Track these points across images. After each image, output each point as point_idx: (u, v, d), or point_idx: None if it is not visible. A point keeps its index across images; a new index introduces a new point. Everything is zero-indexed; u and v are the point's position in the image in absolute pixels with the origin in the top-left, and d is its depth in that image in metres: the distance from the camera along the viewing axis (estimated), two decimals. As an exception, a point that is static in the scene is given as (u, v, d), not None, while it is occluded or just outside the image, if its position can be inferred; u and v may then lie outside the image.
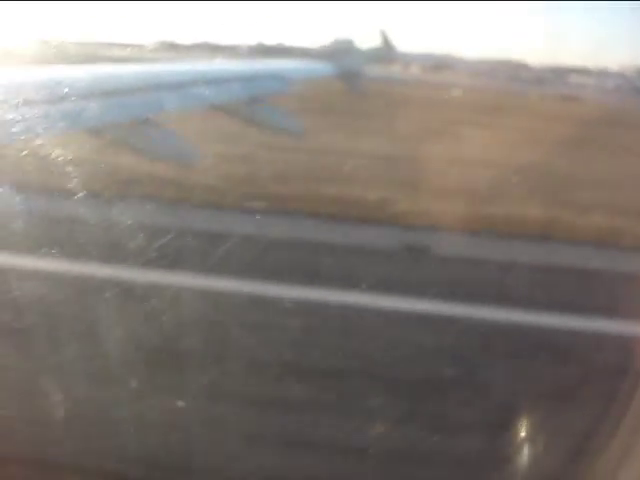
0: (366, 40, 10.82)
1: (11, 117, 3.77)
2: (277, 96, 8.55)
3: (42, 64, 5.77)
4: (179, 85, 6.11)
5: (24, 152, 4.23)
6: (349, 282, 7.49)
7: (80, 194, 5.15)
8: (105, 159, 6.52)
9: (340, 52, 10.76)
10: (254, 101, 7.40)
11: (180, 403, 5.01)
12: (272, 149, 13.07)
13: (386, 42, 10.52)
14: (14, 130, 3.72)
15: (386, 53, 10.61)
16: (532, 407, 5.62)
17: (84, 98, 4.34)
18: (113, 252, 6.16)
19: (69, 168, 4.87)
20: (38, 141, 4.08)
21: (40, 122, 3.94)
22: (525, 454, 5.31)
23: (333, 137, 20.25)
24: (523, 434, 5.39)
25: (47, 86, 4.57)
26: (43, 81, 4.74)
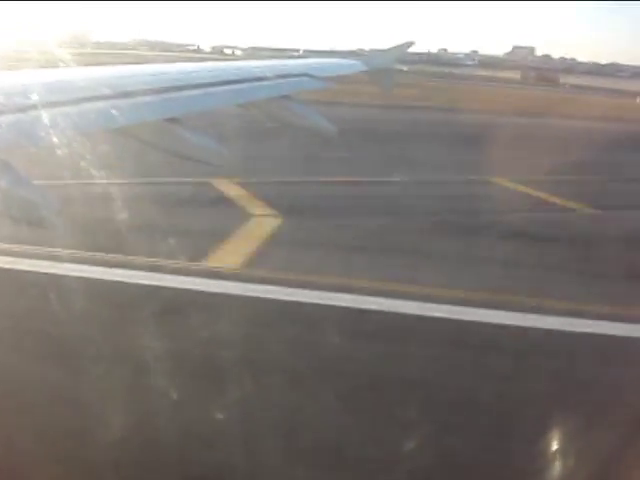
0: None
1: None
2: (309, 93, 8.49)
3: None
4: (208, 85, 6.09)
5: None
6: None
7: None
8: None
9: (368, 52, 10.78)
10: (285, 99, 7.33)
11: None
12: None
13: (406, 43, 10.44)
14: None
15: (405, 51, 10.55)
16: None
17: (111, 98, 4.35)
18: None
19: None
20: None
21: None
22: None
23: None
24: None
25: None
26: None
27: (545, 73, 72.10)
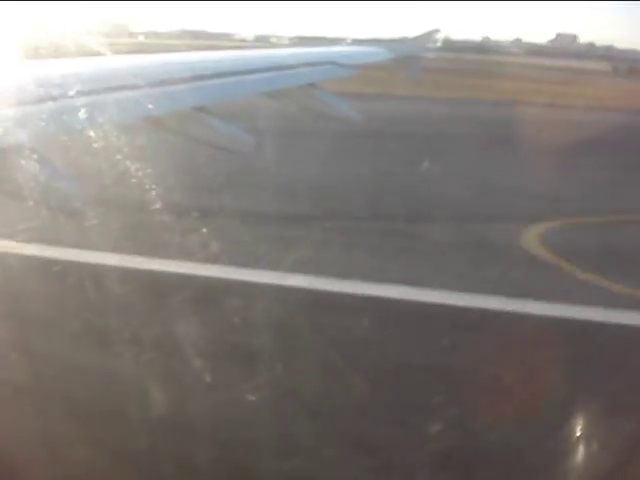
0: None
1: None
2: (335, 80, 8.49)
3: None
4: (235, 73, 6.14)
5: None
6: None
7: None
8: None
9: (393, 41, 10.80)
10: (311, 87, 7.35)
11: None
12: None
13: (433, 30, 10.39)
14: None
15: (432, 40, 10.49)
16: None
17: (141, 88, 4.42)
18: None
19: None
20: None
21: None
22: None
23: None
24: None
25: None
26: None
27: (635, 65, 62.06)
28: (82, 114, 3.78)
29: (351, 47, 10.81)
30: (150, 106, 4.39)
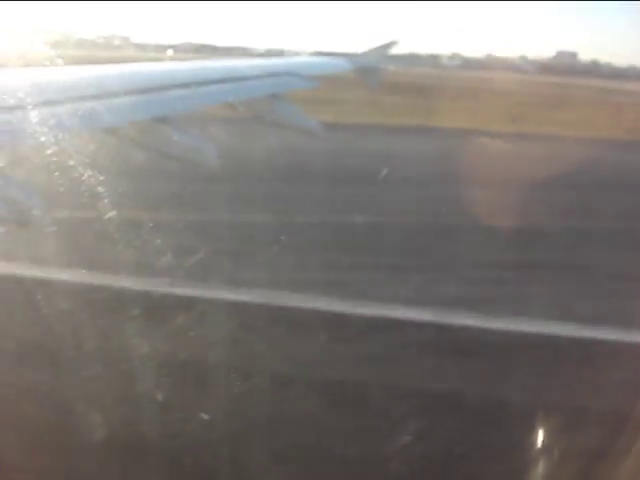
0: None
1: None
2: (296, 92, 8.52)
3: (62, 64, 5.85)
4: (196, 84, 6.11)
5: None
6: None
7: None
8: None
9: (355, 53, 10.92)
10: (272, 98, 7.37)
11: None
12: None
13: (389, 43, 10.53)
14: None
15: (387, 52, 10.62)
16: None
17: (100, 98, 4.36)
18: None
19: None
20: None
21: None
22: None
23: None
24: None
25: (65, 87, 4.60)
26: (58, 82, 4.77)
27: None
28: (40, 125, 3.72)
29: (312, 58, 10.86)
30: (108, 117, 4.34)
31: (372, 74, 10.59)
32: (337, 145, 16.67)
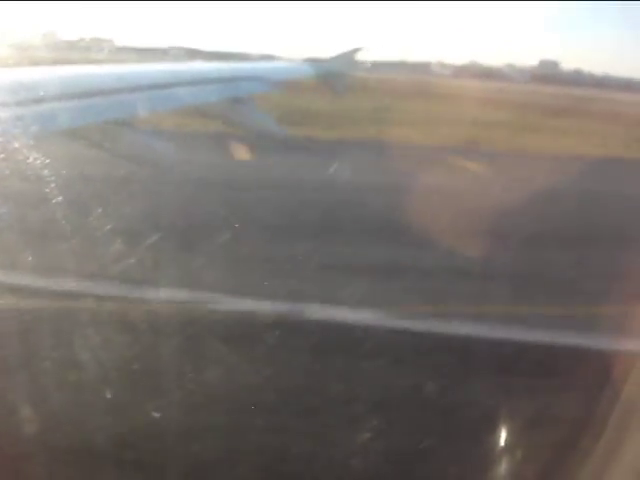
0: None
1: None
2: (259, 96, 8.67)
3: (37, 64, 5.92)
4: (157, 86, 6.21)
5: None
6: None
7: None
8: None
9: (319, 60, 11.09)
10: (235, 102, 7.51)
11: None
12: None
13: (354, 49, 10.74)
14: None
15: (352, 58, 10.80)
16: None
17: (59, 99, 4.45)
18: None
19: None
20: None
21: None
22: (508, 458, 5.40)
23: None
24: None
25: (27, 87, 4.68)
26: (22, 82, 4.85)
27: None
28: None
29: (276, 64, 11.03)
30: (68, 118, 4.42)
31: (337, 80, 10.80)
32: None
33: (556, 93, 35.62)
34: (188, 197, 9.92)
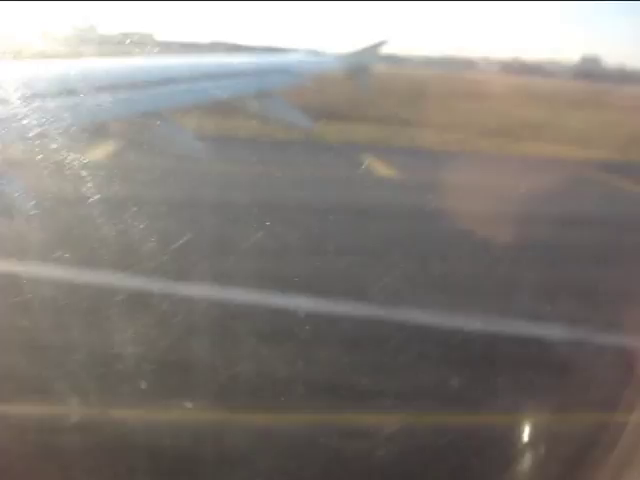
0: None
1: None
2: (287, 89, 8.66)
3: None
4: (187, 79, 6.24)
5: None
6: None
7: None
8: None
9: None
10: (262, 95, 7.51)
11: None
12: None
13: (379, 42, 10.66)
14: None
15: (377, 52, 10.70)
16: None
17: (92, 92, 4.48)
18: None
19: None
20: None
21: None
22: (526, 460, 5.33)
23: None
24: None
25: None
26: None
27: None
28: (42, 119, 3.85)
29: (304, 57, 11.00)
30: (99, 112, 4.45)
31: (361, 74, 10.75)
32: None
33: (607, 90, 33.10)
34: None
